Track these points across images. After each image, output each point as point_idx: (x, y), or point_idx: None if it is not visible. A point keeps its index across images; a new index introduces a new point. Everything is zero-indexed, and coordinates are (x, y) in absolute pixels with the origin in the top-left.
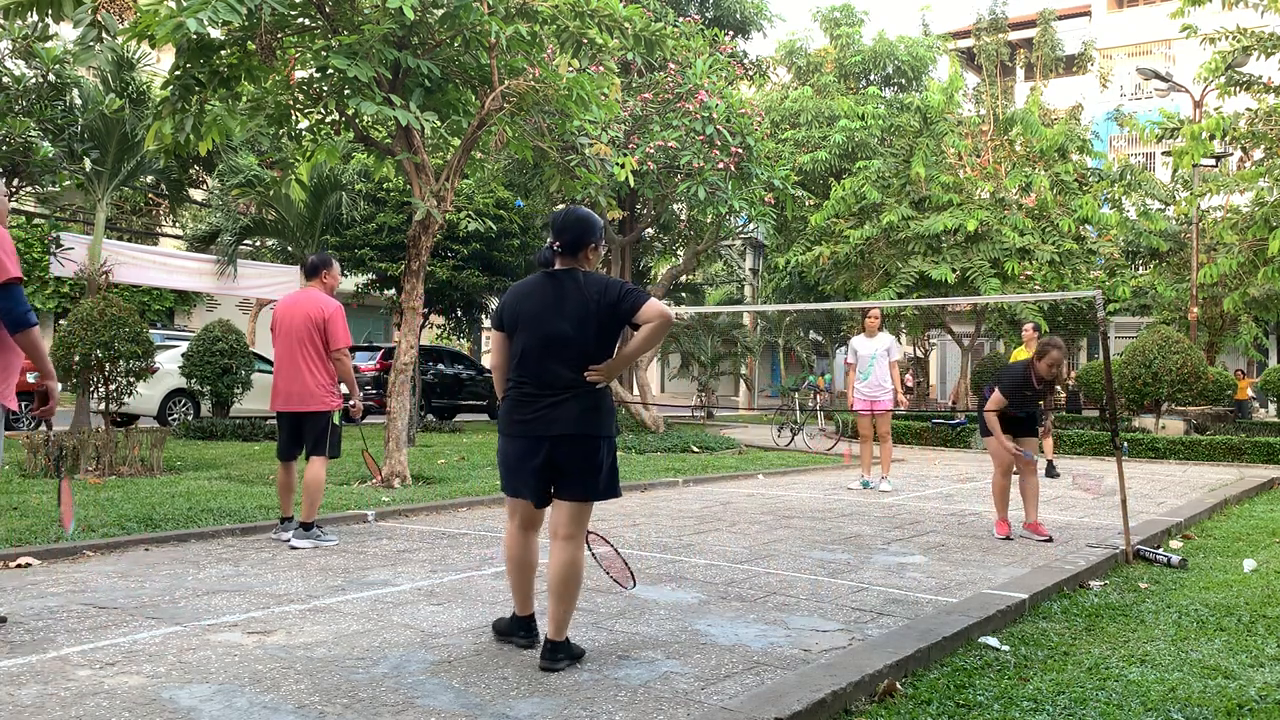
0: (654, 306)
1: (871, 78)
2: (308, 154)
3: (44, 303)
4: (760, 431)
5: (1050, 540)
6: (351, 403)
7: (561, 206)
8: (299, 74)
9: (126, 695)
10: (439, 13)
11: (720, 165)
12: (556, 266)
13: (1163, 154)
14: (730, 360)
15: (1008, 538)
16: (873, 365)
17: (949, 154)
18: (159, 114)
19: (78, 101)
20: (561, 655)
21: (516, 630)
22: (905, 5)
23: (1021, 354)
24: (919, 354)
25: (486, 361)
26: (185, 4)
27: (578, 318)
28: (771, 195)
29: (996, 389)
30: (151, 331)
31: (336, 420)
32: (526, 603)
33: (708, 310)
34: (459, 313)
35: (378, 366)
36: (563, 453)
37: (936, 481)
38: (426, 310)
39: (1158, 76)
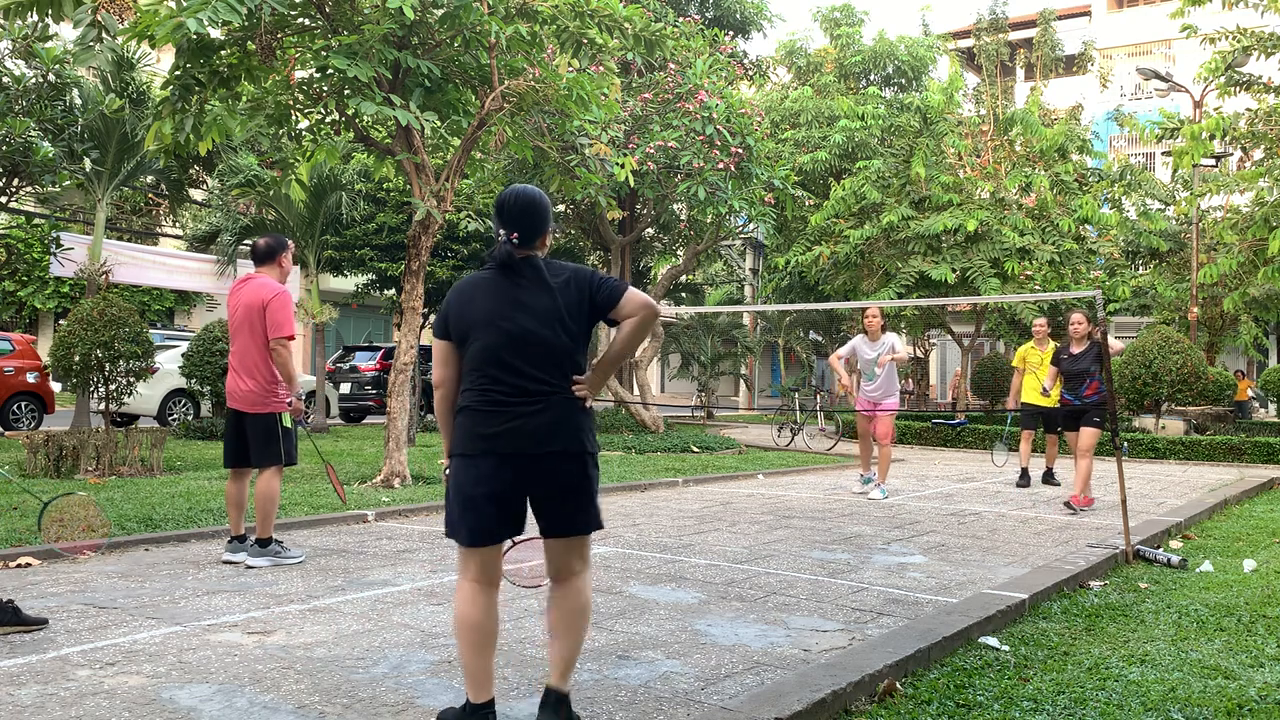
0: (636, 297)
1: (871, 78)
2: (308, 154)
3: (44, 303)
4: (760, 431)
5: (1073, 511)
6: (289, 400)
7: (505, 189)
8: (299, 74)
9: (126, 695)
10: (439, 13)
11: (720, 165)
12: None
13: (1163, 154)
14: (730, 360)
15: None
16: (876, 367)
17: (949, 154)
18: (159, 114)
19: (78, 101)
20: (566, 712)
21: None
22: (905, 5)
23: (1031, 350)
24: (919, 354)
25: None
26: (185, 4)
27: (543, 310)
28: (771, 195)
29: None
30: (151, 331)
31: (287, 423)
32: (487, 683)
33: (708, 310)
34: None
35: (378, 366)
36: (544, 473)
37: (936, 481)
38: (426, 310)
39: (1158, 76)
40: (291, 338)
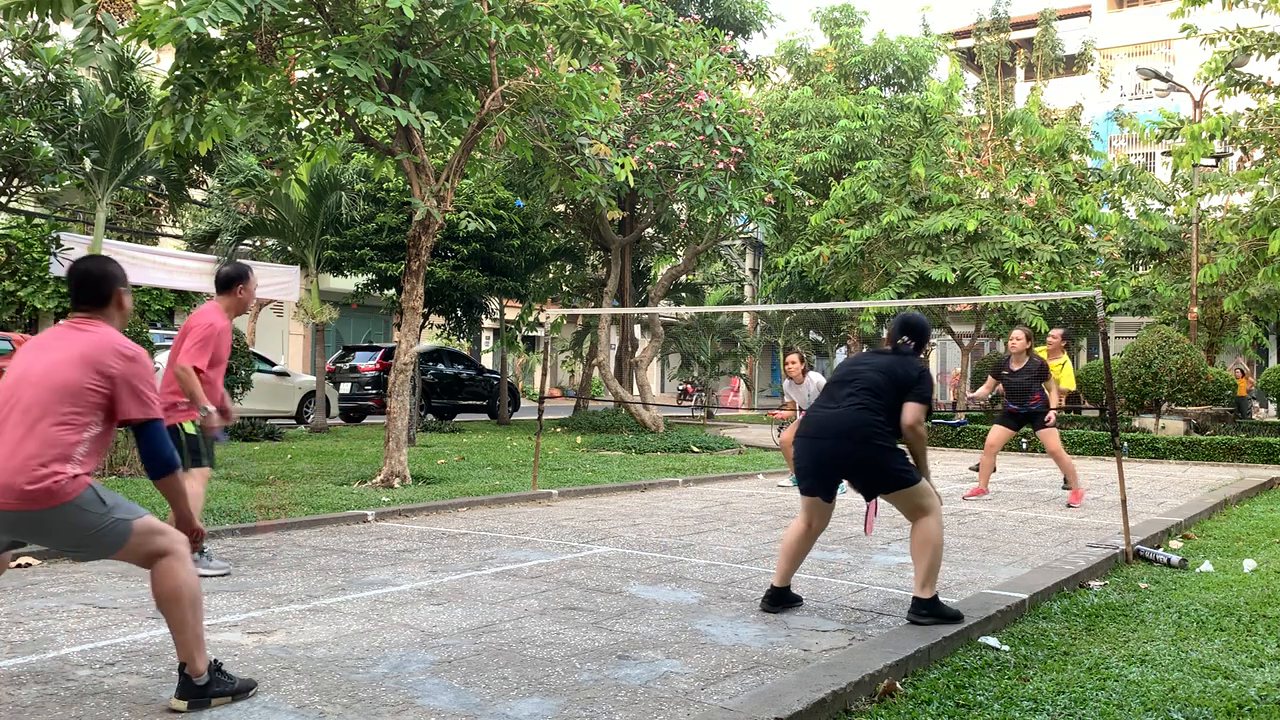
0: (908, 412)
1: (871, 78)
2: (308, 154)
3: (44, 303)
4: (760, 431)
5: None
6: (207, 410)
7: (904, 313)
8: (299, 74)
9: (126, 695)
10: (439, 13)
11: (720, 165)
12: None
13: (1163, 154)
14: (730, 360)
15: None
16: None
17: (949, 154)
18: (159, 114)
19: (78, 101)
20: (923, 610)
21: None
22: (905, 5)
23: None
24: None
25: (486, 361)
26: (185, 4)
27: (873, 380)
28: (771, 195)
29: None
30: (151, 331)
31: (190, 429)
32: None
33: (708, 310)
34: (459, 313)
35: (377, 366)
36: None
37: (936, 481)
38: (426, 310)
39: (1158, 76)
40: (198, 369)
